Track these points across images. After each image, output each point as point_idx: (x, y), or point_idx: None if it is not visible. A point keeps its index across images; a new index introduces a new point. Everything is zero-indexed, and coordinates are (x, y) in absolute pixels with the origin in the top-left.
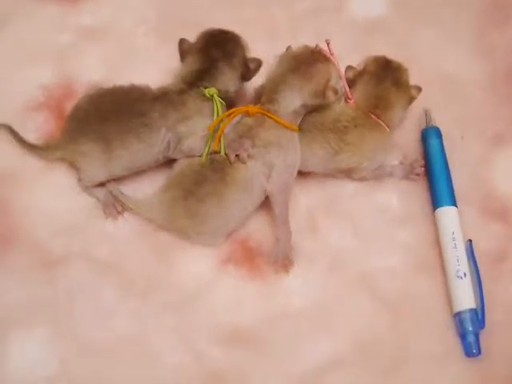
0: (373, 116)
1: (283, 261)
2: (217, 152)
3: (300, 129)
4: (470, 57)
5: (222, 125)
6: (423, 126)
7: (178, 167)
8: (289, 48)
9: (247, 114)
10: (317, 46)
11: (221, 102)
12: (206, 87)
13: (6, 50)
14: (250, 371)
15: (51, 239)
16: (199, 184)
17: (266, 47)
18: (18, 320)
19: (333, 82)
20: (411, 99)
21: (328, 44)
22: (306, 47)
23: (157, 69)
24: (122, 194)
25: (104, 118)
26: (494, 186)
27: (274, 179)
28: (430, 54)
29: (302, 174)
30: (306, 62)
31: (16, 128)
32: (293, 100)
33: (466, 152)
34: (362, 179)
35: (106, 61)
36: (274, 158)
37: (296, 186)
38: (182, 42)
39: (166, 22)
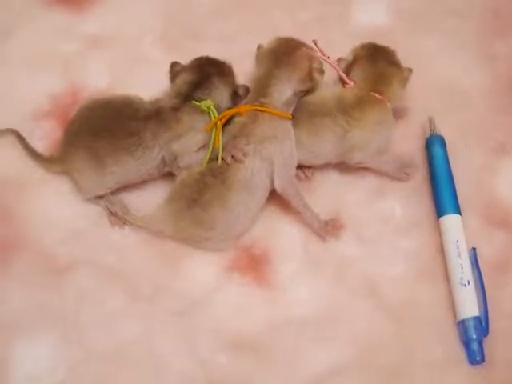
0: (374, 94)
1: (325, 229)
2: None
3: (305, 120)
4: (473, 65)
5: (217, 128)
6: (427, 134)
7: (178, 179)
8: (260, 46)
9: (239, 113)
10: (314, 41)
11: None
12: (199, 100)
13: (13, 58)
14: (253, 378)
15: (57, 246)
16: (201, 192)
17: None
18: (24, 327)
19: (315, 64)
20: (405, 80)
21: (316, 44)
22: (279, 39)
23: (162, 77)
24: (128, 212)
25: (96, 135)
26: (498, 194)
27: (278, 174)
28: (433, 63)
29: (306, 182)
30: (286, 52)
31: (25, 138)
32: (285, 91)
33: (470, 160)
34: (364, 161)
35: (112, 69)
36: (271, 151)
37: (303, 194)
38: (174, 64)
39: (172, 31)
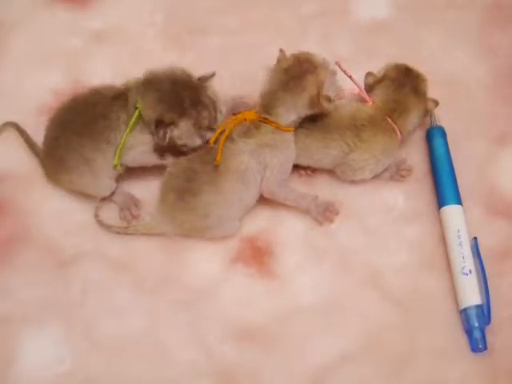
0: (389, 119)
1: (323, 215)
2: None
3: (319, 133)
4: (473, 57)
5: (223, 136)
6: (428, 125)
7: (165, 172)
8: (280, 56)
9: (244, 120)
10: (337, 62)
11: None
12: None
13: (16, 54)
14: (260, 368)
15: (63, 238)
16: (191, 179)
17: (273, 50)
18: (32, 318)
19: (325, 89)
20: (427, 111)
21: (339, 65)
22: (295, 58)
23: None
24: (130, 226)
25: (75, 133)
26: (499, 184)
27: (269, 179)
28: (434, 55)
29: (310, 174)
30: (295, 76)
31: (27, 132)
32: (289, 115)
33: (471, 150)
34: (352, 179)
35: (116, 64)
36: (268, 158)
37: (305, 185)
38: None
39: (174, 26)
